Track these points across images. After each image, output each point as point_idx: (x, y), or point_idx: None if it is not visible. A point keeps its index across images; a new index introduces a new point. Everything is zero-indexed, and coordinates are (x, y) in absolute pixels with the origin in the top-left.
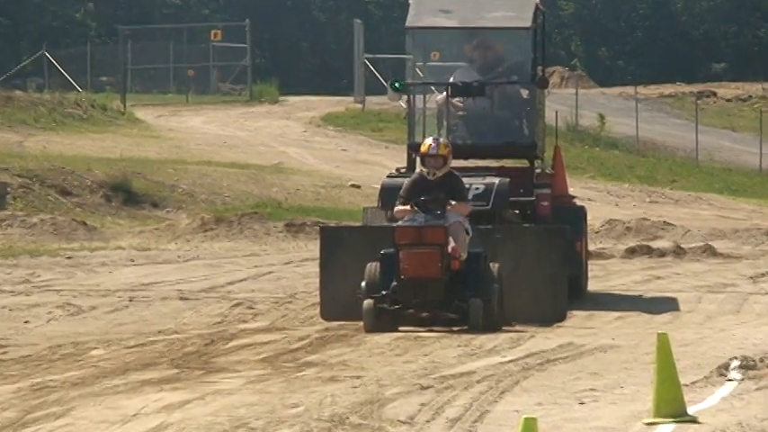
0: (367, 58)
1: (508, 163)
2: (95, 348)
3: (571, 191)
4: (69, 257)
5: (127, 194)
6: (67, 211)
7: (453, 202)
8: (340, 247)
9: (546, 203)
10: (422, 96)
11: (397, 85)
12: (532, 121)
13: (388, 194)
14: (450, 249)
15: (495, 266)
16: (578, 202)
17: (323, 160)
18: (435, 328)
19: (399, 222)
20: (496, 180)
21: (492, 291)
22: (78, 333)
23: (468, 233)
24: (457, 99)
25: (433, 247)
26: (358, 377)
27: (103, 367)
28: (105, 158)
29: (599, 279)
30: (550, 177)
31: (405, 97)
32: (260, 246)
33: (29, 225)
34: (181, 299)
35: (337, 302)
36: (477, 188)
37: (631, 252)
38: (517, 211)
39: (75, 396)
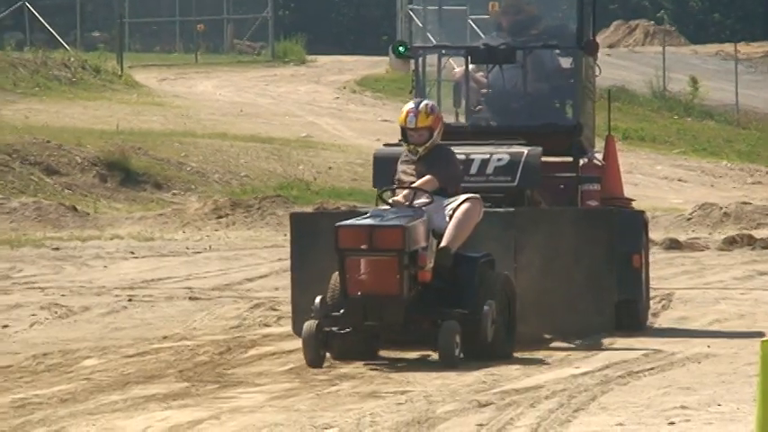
0: (411, 9)
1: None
2: (88, 357)
3: (658, 168)
4: (56, 249)
5: (125, 174)
6: (54, 193)
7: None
8: (318, 240)
9: (593, 203)
10: (433, 63)
11: (401, 49)
12: (577, 97)
13: (382, 169)
14: (419, 257)
15: (500, 275)
16: (639, 206)
17: (359, 133)
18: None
19: (345, 221)
20: (525, 149)
21: (484, 308)
22: (68, 339)
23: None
24: (480, 74)
25: (388, 254)
26: (403, 392)
27: (98, 380)
28: (99, 130)
29: (691, 275)
30: (600, 170)
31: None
32: (284, 235)
33: (7, 210)
34: (190, 299)
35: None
36: (499, 159)
37: (730, 243)
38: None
39: (64, 415)
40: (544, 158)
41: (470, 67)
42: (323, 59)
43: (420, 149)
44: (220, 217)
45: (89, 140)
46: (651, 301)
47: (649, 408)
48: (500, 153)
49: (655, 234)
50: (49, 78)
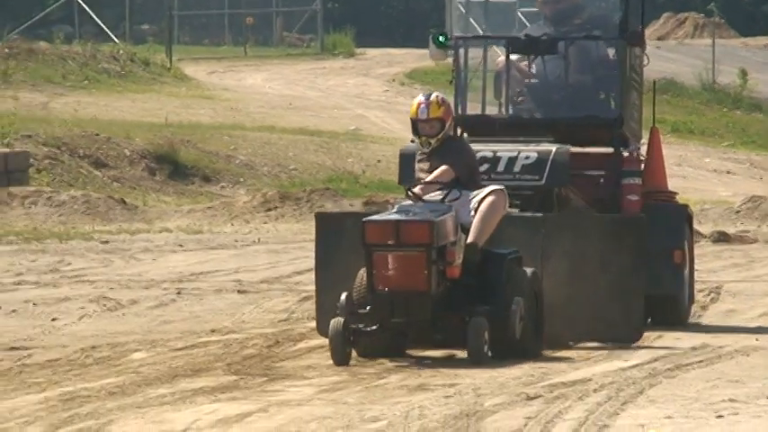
0: (461, 2)
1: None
2: (137, 351)
3: (707, 161)
4: (105, 242)
5: (173, 166)
6: (103, 186)
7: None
8: (343, 240)
9: (634, 198)
10: (476, 55)
11: (441, 39)
12: (620, 88)
13: (408, 165)
14: (447, 252)
15: (527, 271)
16: (685, 201)
17: (408, 126)
18: None
19: (372, 216)
20: (553, 147)
21: (512, 305)
22: (116, 332)
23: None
24: (524, 63)
25: (416, 249)
26: (451, 385)
27: (146, 373)
28: (148, 123)
29: (740, 268)
30: (641, 164)
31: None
32: None
33: (57, 203)
34: (239, 292)
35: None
36: (526, 157)
37: None
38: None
39: (112, 408)
40: (584, 149)
41: (514, 57)
42: (372, 52)
43: (432, 141)
44: (269, 210)
45: (138, 133)
46: (700, 294)
47: (698, 401)
48: (528, 151)
49: (703, 227)
50: (98, 71)
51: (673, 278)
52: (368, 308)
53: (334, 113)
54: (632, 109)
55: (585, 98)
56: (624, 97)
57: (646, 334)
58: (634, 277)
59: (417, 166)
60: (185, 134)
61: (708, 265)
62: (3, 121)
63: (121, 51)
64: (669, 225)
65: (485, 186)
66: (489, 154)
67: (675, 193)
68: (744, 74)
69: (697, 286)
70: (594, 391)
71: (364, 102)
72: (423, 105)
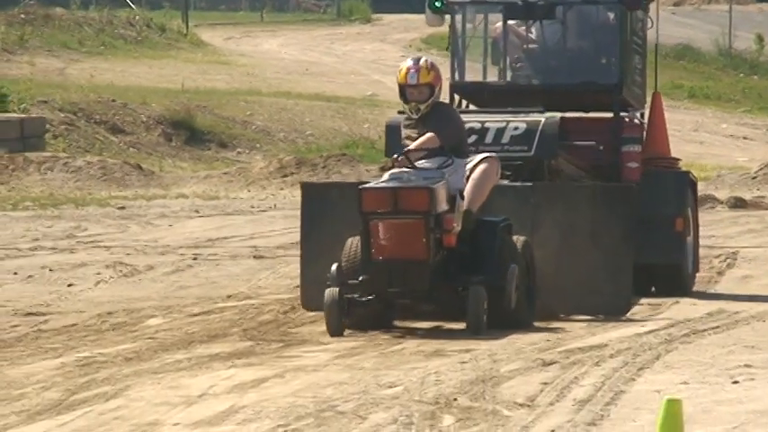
0: None
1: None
2: (153, 316)
3: (723, 127)
4: (121, 208)
5: (190, 132)
6: (119, 152)
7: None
8: (328, 211)
9: (633, 165)
10: (469, 19)
11: (437, 4)
12: (621, 53)
13: (395, 137)
14: (445, 220)
15: (519, 240)
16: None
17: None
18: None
19: (369, 183)
20: (542, 117)
21: (508, 274)
22: (132, 298)
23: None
24: (522, 28)
25: (414, 217)
26: (467, 351)
27: (163, 339)
28: (164, 89)
29: (756, 234)
30: (641, 130)
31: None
32: None
33: (73, 169)
34: (255, 257)
35: (325, 286)
36: (515, 128)
37: None
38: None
39: (129, 373)
40: (583, 115)
41: (512, 22)
42: (388, 18)
43: (422, 107)
44: (285, 176)
45: (154, 99)
46: (715, 260)
47: (713, 366)
48: (516, 122)
49: (720, 192)
50: (114, 37)
51: (675, 246)
52: (360, 278)
53: (350, 79)
54: (634, 74)
55: (584, 64)
56: (625, 62)
57: (661, 299)
58: (623, 247)
59: (404, 132)
60: (201, 100)
61: (724, 230)
62: (19, 87)
63: (138, 17)
64: (670, 192)
65: (474, 155)
66: (477, 125)
67: (678, 160)
68: (760, 39)
69: (713, 252)
70: (610, 356)
71: (381, 67)
72: (412, 70)
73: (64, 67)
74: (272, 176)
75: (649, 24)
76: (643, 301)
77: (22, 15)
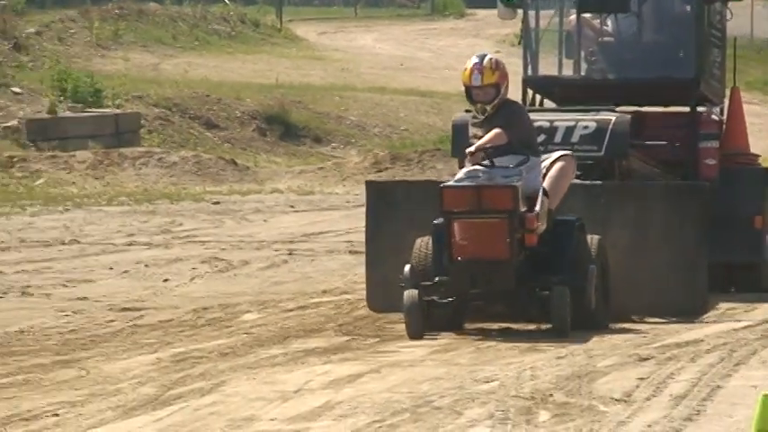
0: None
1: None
2: (248, 312)
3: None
4: (216, 203)
5: (284, 127)
6: (213, 147)
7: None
8: (395, 210)
9: (711, 162)
10: (545, 13)
11: None
12: (697, 47)
13: (462, 136)
14: (527, 219)
15: (594, 240)
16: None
17: (519, 86)
18: None
19: (449, 181)
20: (613, 116)
21: (587, 274)
22: (228, 293)
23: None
24: (597, 21)
25: (498, 216)
26: (563, 346)
27: (258, 334)
28: (258, 84)
29: None
30: (719, 126)
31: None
32: None
33: (167, 164)
34: (350, 252)
35: (391, 287)
36: (585, 127)
37: None
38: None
39: (224, 369)
40: (660, 109)
41: (587, 15)
42: (482, 13)
43: (488, 108)
44: (380, 171)
45: (248, 94)
46: None
47: None
48: (586, 120)
49: None
50: (208, 32)
51: (753, 245)
52: (437, 278)
53: (444, 74)
54: (712, 68)
55: (660, 57)
56: (702, 56)
57: (758, 294)
58: (697, 247)
59: (471, 131)
60: (296, 95)
61: None
62: (114, 83)
63: (232, 12)
64: (749, 189)
65: (545, 153)
66: (546, 124)
67: (757, 156)
68: None
69: None
70: (707, 352)
71: None
72: (476, 72)
73: (158, 63)
74: (367, 171)
75: (729, 16)
76: (738, 296)
77: (117, 11)
